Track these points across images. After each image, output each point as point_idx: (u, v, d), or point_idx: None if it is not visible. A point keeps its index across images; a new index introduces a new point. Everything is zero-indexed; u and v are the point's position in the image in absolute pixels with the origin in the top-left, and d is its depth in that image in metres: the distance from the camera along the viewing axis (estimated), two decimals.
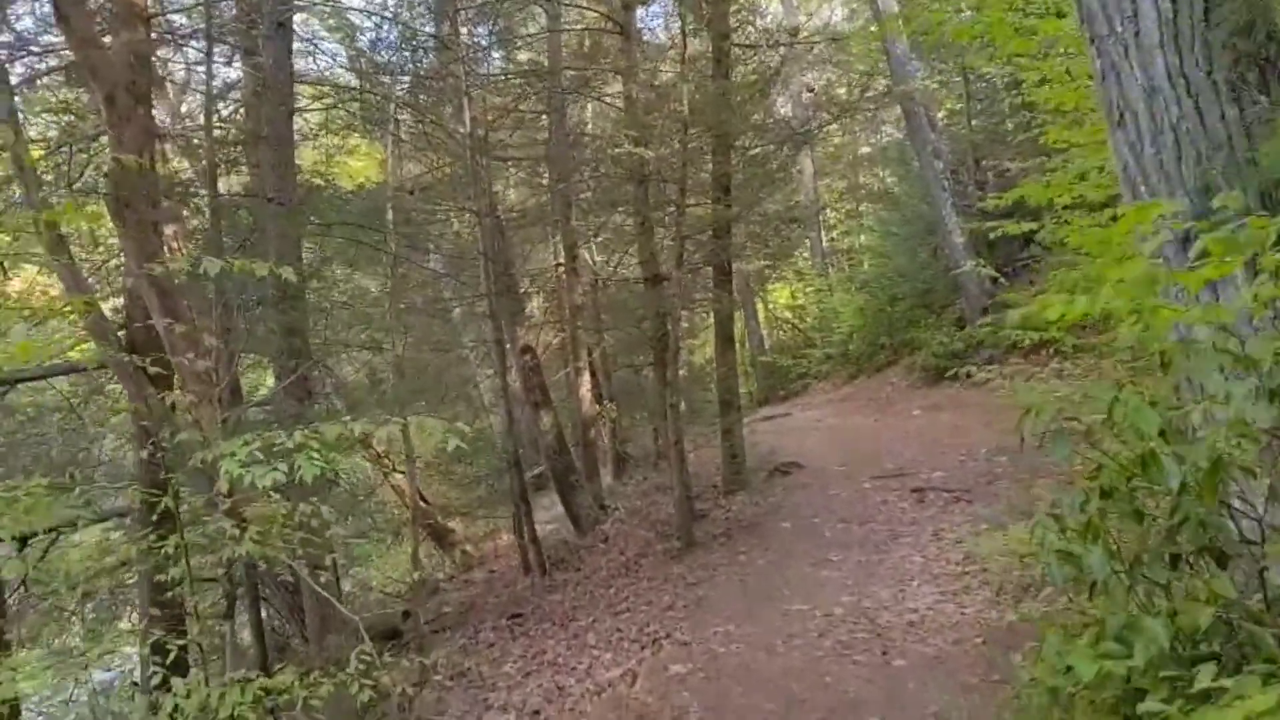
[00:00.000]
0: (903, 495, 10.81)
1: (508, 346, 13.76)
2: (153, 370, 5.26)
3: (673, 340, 10.10)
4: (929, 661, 6.19)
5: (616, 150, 10.01)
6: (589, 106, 16.98)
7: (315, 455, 3.70)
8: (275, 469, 3.62)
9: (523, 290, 16.12)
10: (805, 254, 32.43)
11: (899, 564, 8.52)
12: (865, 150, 31.01)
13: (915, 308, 20.92)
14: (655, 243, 11.11)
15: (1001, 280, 16.17)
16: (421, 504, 18.39)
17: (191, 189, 10.64)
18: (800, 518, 10.52)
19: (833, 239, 33.15)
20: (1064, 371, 15.19)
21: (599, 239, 14.48)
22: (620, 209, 11.03)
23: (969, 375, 16.97)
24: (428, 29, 12.89)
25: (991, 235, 10.29)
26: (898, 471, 11.82)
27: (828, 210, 33.07)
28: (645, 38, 13.38)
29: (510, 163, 14.37)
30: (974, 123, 20.89)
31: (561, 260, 15.30)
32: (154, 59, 9.54)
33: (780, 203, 13.49)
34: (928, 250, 20.78)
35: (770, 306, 34.16)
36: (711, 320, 13.81)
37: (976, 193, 19.69)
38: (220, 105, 11.55)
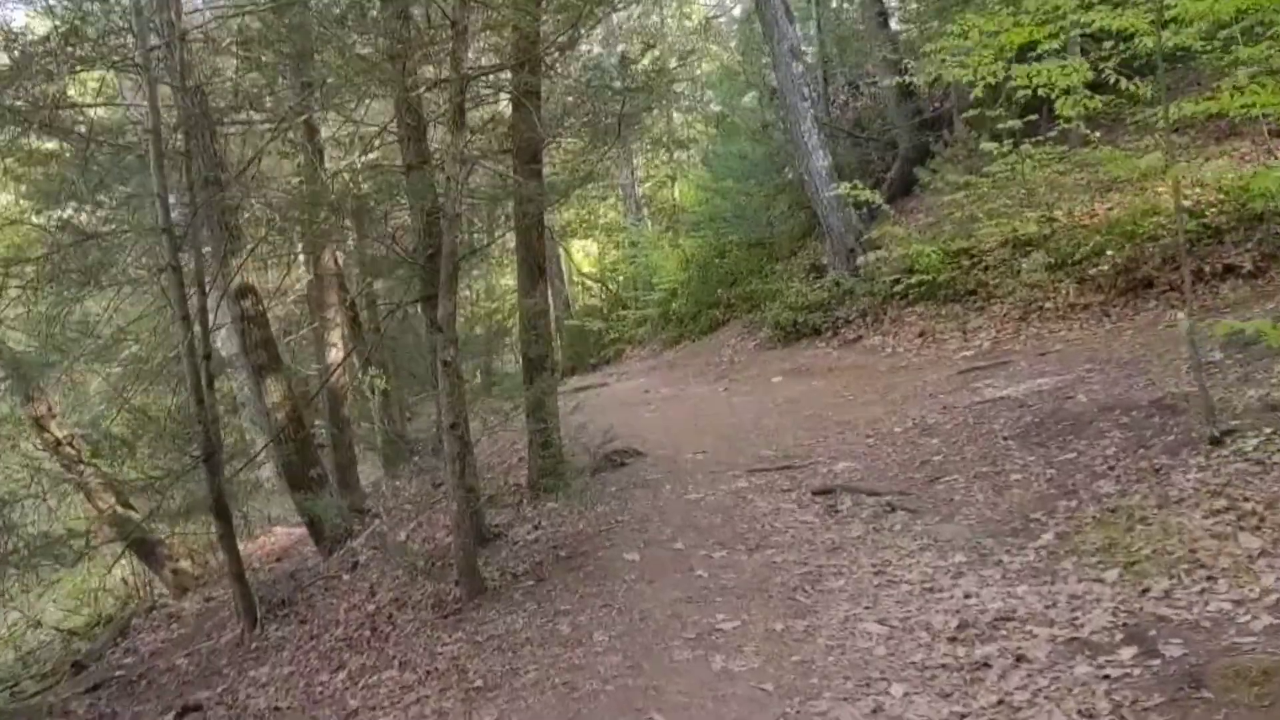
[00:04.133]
0: (801, 500, 7.14)
1: (207, 282, 9.36)
2: None
3: (446, 257, 6.02)
4: None
5: None
6: None
7: None
8: None
9: (245, 215, 11.49)
10: (615, 203, 28.80)
11: (843, 637, 4.81)
12: (682, 86, 27.42)
13: (757, 256, 17.49)
14: (422, 102, 7.02)
15: (884, 207, 12.82)
16: (119, 508, 13.68)
17: None
18: (653, 540, 6.67)
19: (645, 193, 29.61)
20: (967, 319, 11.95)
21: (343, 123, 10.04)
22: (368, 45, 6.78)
23: (836, 332, 13.69)
24: None
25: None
26: (782, 461, 8.16)
27: (639, 160, 29.57)
28: None
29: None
30: (824, 30, 17.57)
31: (299, 167, 10.95)
32: None
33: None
34: (771, 186, 17.36)
35: (576, 265, 30.50)
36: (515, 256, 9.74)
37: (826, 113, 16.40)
38: None
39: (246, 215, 11.31)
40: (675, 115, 28.68)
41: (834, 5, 17.88)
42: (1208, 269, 9.83)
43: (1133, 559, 4.96)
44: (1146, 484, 5.77)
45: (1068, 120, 8.07)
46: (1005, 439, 7.36)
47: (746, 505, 7.16)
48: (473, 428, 7.37)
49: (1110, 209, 11.46)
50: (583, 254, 32.31)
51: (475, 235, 9.62)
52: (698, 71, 26.96)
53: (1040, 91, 7.27)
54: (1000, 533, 5.82)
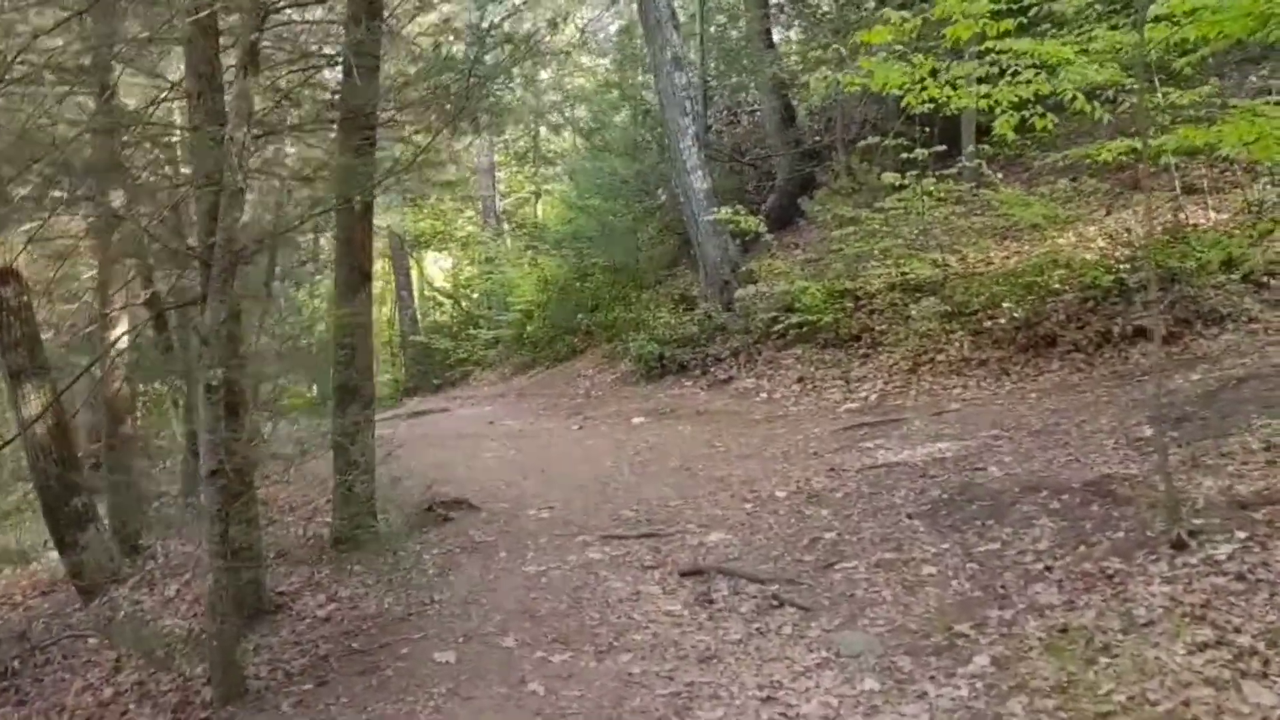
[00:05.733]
0: (667, 582, 5.78)
1: None
2: None
3: (221, 245, 4.46)
4: None
5: None
6: None
7: None
8: None
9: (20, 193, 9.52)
10: (472, 215, 27.23)
11: None
12: (551, 98, 25.96)
13: (621, 282, 16.20)
14: (219, 53, 5.45)
15: (766, 238, 11.68)
16: None
17: None
18: (476, 633, 5.19)
19: (506, 208, 28.12)
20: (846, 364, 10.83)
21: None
22: None
23: (705, 370, 12.43)
24: None
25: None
26: (644, 526, 6.79)
27: (502, 173, 28.13)
28: None
29: None
30: (707, 49, 16.47)
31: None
32: None
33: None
34: (641, 208, 16.15)
35: (428, 279, 28.82)
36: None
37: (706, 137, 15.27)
38: None
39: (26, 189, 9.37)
40: (543, 130, 27.34)
41: (720, 20, 16.83)
42: (1116, 330, 8.98)
43: (1104, 708, 3.76)
44: (1099, 595, 4.62)
45: (1005, 141, 7.07)
46: (909, 517, 6.16)
47: (599, 585, 5.75)
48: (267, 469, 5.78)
49: (1007, 257, 10.60)
50: (436, 267, 30.61)
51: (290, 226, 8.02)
52: (568, 83, 25.72)
53: (982, 104, 6.20)
54: (919, 649, 4.57)
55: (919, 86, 6.08)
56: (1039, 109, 6.26)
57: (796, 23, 16.42)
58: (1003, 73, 6.07)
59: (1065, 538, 5.34)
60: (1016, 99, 6.11)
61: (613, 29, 26.61)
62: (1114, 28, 7.25)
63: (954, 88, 7.07)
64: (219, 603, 4.64)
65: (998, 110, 6.26)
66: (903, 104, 8.31)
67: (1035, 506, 5.81)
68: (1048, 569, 5.05)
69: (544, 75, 26.93)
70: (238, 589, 5.68)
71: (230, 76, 6.00)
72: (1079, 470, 6.27)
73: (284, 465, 5.32)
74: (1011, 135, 6.48)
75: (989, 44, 6.49)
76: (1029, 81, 5.88)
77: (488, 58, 5.54)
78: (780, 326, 11.00)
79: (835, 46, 9.62)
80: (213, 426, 4.48)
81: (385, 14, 6.21)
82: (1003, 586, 5.01)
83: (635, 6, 14.20)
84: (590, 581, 5.83)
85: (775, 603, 5.28)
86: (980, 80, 7.32)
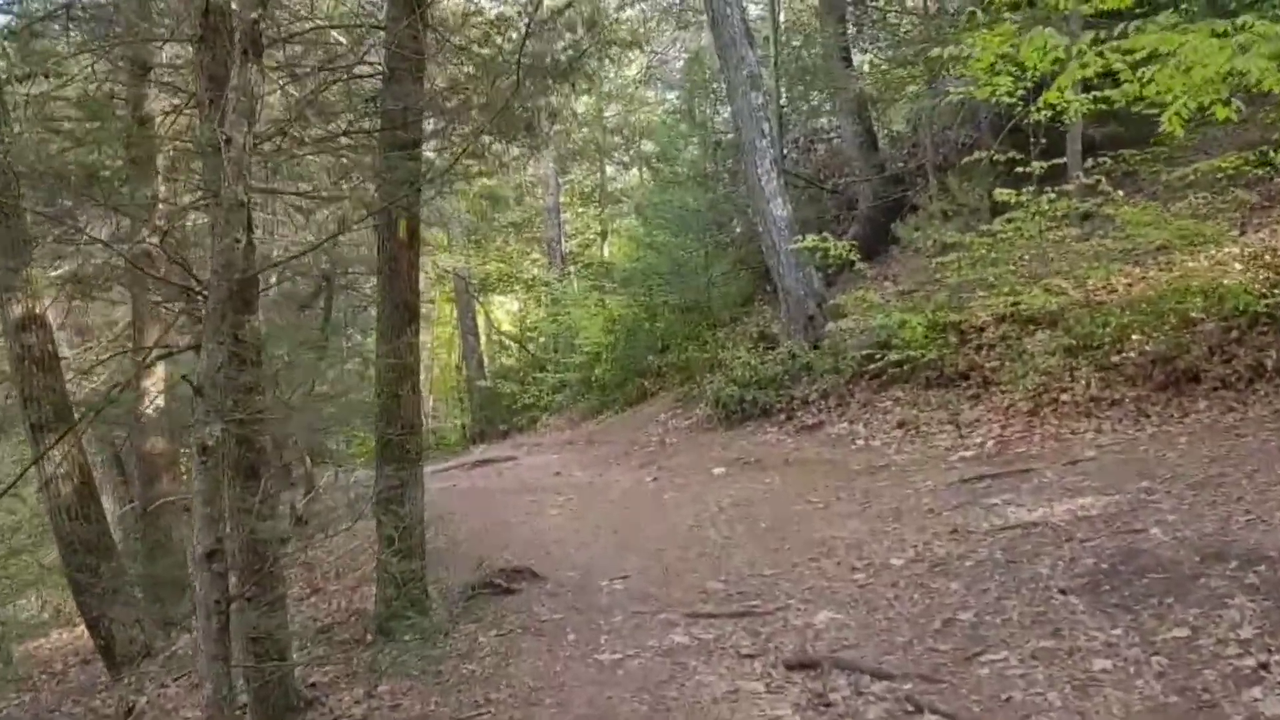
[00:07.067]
0: (771, 676, 4.74)
1: None
2: None
3: (218, 273, 3.60)
4: None
5: None
6: None
7: None
8: None
9: (61, 228, 8.89)
10: (537, 257, 26.60)
11: None
12: (617, 139, 25.23)
13: (693, 321, 15.24)
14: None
15: (859, 266, 10.65)
16: None
17: None
18: None
19: (572, 251, 27.45)
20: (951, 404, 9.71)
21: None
22: None
23: (790, 415, 11.36)
24: None
25: None
26: (737, 601, 5.78)
27: (568, 214, 27.51)
28: None
29: None
30: (781, 72, 15.54)
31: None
32: None
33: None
34: (713, 242, 15.21)
35: (496, 322, 28.20)
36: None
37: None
38: None
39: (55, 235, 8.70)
40: (609, 168, 26.73)
41: (795, 43, 15.92)
42: (1270, 364, 7.81)
43: None
44: None
45: (1172, 137, 6.00)
46: (1062, 592, 5.07)
47: (688, 680, 4.75)
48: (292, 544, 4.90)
49: (1131, 284, 9.46)
50: (503, 311, 30.02)
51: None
52: (634, 119, 25.07)
53: (1147, 92, 5.15)
54: None
55: (1077, 67, 5.03)
56: (1221, 96, 5.17)
57: (874, 45, 15.44)
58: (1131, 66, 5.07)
59: (1275, 622, 4.23)
60: (1188, 86, 5.01)
61: (678, 64, 26.00)
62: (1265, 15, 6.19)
63: (1116, 81, 6.04)
64: (219, 716, 3.72)
65: (1170, 99, 5.17)
66: (1014, 110, 7.32)
67: (1225, 580, 4.70)
68: (1263, 666, 3.95)
69: (610, 112, 26.40)
70: (261, 684, 4.80)
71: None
72: (1267, 533, 5.13)
73: (302, 543, 4.43)
74: (1180, 131, 5.40)
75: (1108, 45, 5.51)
76: (1204, 63, 4.76)
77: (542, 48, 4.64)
78: (876, 365, 9.91)
79: (923, 54, 8.63)
80: (209, 497, 3.59)
81: (429, 10, 5.38)
82: (1205, 690, 3.91)
83: (706, 30, 13.35)
84: (676, 674, 4.83)
85: (911, 708, 4.22)
86: (1088, 87, 6.36)
